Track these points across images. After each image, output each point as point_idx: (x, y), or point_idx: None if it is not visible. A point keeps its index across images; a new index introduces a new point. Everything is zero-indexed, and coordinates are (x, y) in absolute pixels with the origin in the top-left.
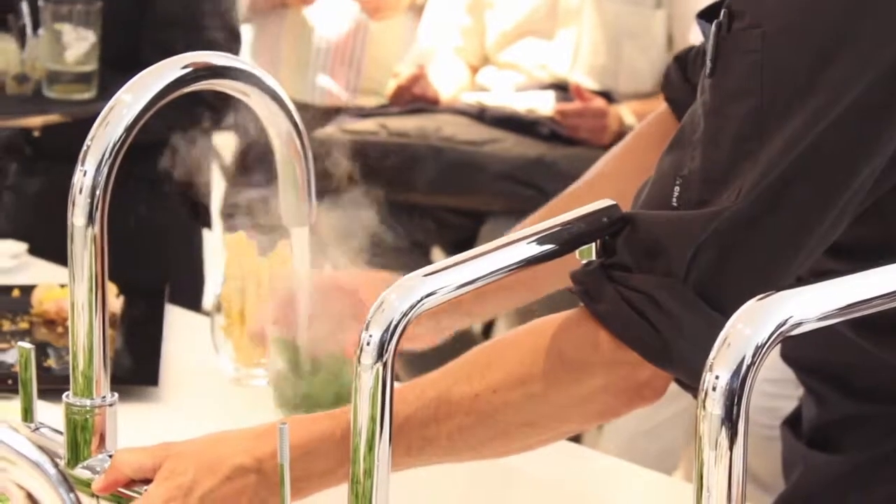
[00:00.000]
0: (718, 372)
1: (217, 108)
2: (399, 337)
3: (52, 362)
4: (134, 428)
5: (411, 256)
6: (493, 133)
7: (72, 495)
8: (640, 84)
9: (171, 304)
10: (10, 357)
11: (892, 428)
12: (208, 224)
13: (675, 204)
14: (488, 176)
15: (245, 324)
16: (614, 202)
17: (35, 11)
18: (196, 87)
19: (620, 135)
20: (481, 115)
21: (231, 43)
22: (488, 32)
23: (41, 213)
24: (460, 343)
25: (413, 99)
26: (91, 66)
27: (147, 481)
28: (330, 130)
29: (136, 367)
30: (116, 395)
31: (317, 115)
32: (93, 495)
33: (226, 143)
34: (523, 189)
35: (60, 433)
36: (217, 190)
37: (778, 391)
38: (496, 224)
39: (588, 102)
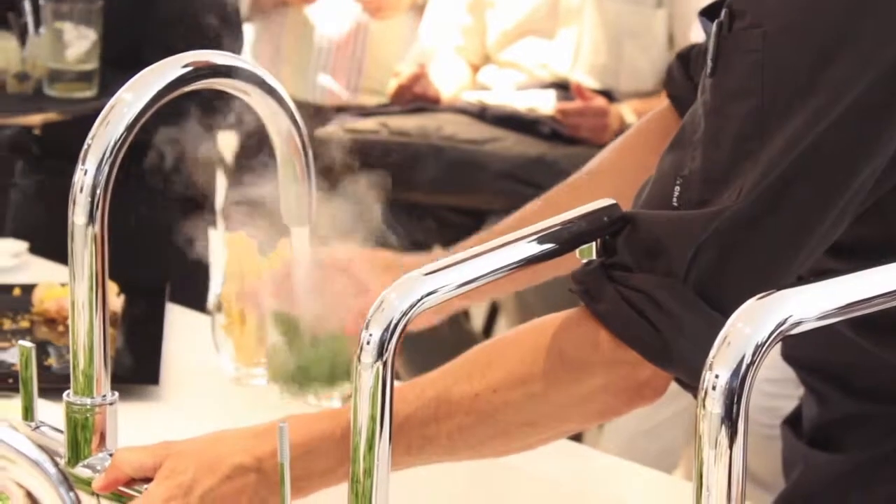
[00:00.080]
0: (718, 371)
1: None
2: (399, 336)
3: (52, 361)
4: (134, 427)
5: None
6: (494, 132)
7: (71, 494)
8: (641, 83)
9: (172, 303)
10: (11, 356)
11: (893, 427)
12: (209, 223)
13: (675, 204)
14: (489, 175)
15: (245, 323)
16: (614, 201)
17: (36, 9)
18: (197, 85)
19: (621, 134)
20: (482, 114)
21: (233, 42)
22: (489, 31)
23: (42, 212)
24: (460, 342)
25: (414, 98)
26: (92, 65)
27: (147, 480)
28: (331, 129)
29: (137, 366)
30: (117, 393)
31: (318, 114)
32: (93, 494)
33: (227, 141)
34: (524, 188)
35: (61, 432)
36: (218, 189)
37: (778, 391)
38: (497, 223)
39: (589, 101)
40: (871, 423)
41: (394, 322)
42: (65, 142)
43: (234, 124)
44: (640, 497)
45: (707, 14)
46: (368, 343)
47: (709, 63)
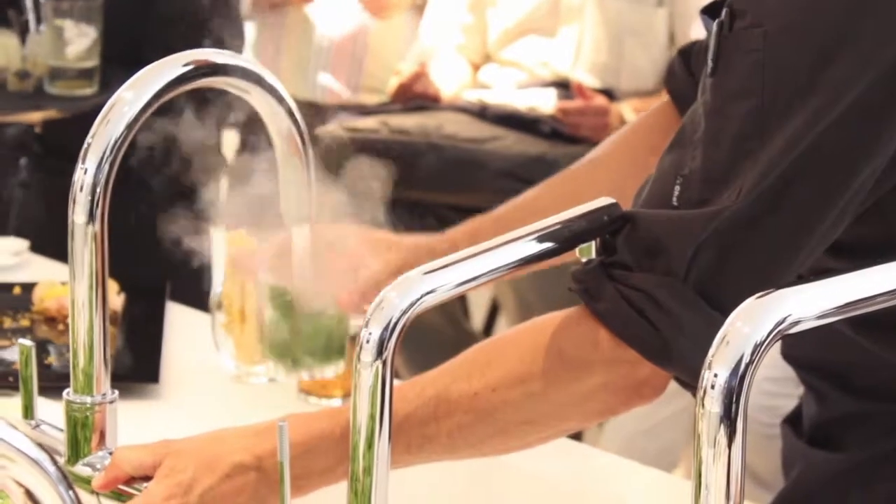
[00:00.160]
0: (717, 370)
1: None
2: (399, 335)
3: (52, 359)
4: (134, 425)
5: None
6: (495, 131)
7: (71, 493)
8: (642, 82)
9: (172, 302)
10: (11, 354)
11: (893, 426)
12: (209, 221)
13: (675, 203)
14: (489, 174)
15: (246, 322)
16: (614, 200)
17: (37, 7)
18: (197, 84)
19: None
20: (483, 113)
21: (234, 40)
22: (490, 30)
23: (43, 211)
24: (460, 341)
25: (414, 96)
26: (92, 62)
27: (147, 478)
28: (331, 128)
29: (137, 365)
30: (117, 392)
31: (318, 112)
32: (93, 492)
33: (227, 140)
34: (524, 187)
35: (61, 430)
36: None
37: (779, 390)
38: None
39: (589, 100)
40: (871, 422)
41: (393, 321)
42: (65, 140)
43: (234, 123)
44: (640, 496)
45: (708, 12)
46: (368, 342)
47: (709, 63)
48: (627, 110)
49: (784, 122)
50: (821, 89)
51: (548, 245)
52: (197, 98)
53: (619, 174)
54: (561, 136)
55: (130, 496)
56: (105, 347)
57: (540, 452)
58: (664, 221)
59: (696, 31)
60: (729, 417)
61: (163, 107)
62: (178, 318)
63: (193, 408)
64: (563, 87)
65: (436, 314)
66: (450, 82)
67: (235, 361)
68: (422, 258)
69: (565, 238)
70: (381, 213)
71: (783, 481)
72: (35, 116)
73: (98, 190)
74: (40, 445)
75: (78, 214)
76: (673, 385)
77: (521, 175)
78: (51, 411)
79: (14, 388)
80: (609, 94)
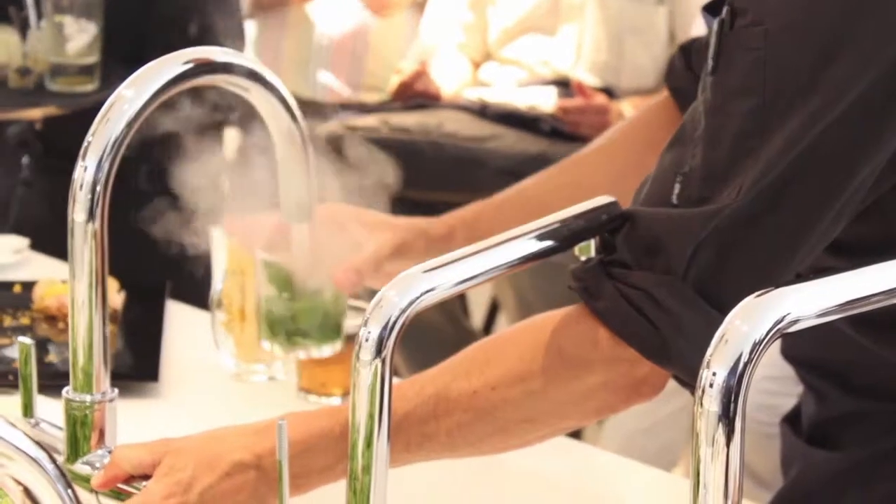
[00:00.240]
0: (715, 369)
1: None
2: (398, 333)
3: (53, 358)
4: (134, 424)
5: None
6: (495, 129)
7: (69, 491)
8: (643, 80)
9: (172, 300)
10: (11, 352)
11: (892, 425)
12: (209, 221)
13: (675, 201)
14: (490, 172)
15: (246, 320)
16: (614, 199)
17: (37, 3)
18: (197, 82)
19: None
20: (483, 112)
21: (235, 39)
22: (490, 28)
23: (44, 209)
24: (460, 339)
25: (415, 95)
26: (93, 59)
27: (146, 477)
28: (332, 126)
29: (137, 363)
30: (116, 390)
31: (318, 111)
32: (92, 491)
33: (228, 138)
34: None
35: (60, 429)
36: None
37: (778, 389)
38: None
39: (590, 99)
40: (870, 421)
41: (392, 319)
42: (66, 138)
43: (234, 121)
44: (640, 494)
45: (710, 10)
46: (367, 340)
47: (710, 61)
48: (628, 109)
49: (785, 120)
50: (822, 88)
51: (547, 243)
52: (197, 96)
53: (619, 165)
54: (561, 134)
55: (129, 495)
56: (105, 346)
57: (539, 451)
58: (664, 220)
59: (697, 29)
60: (727, 416)
61: (163, 104)
62: (178, 317)
63: (193, 406)
64: (564, 85)
65: (435, 312)
66: (450, 81)
67: (235, 360)
68: (418, 239)
69: (565, 236)
70: (381, 211)
71: (782, 480)
72: (36, 113)
73: (98, 188)
74: (39, 444)
75: (78, 213)
76: (672, 383)
77: (522, 173)
78: (50, 410)
79: (14, 386)
80: (609, 92)
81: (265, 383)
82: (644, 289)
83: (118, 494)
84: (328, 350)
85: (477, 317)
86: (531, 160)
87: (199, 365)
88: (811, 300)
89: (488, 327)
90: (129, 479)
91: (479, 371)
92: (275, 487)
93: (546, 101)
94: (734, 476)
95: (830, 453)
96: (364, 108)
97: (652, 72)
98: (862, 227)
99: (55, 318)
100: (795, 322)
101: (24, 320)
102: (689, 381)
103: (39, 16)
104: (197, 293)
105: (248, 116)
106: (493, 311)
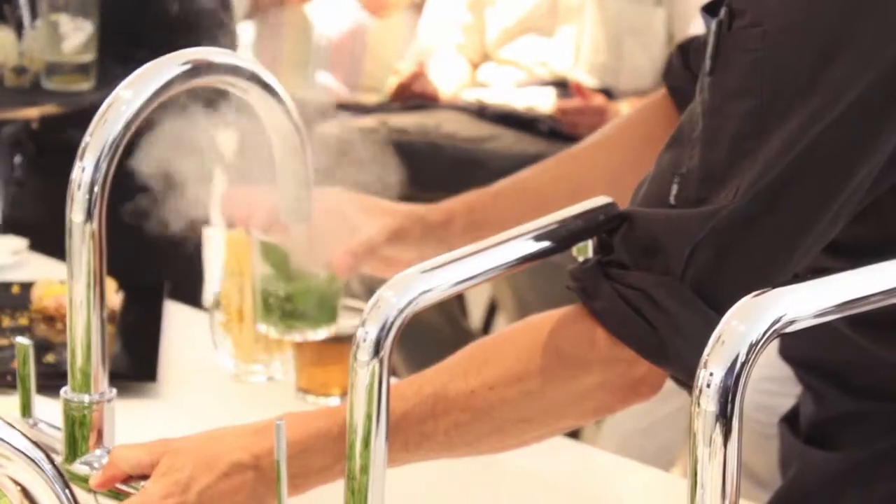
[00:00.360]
0: (713, 369)
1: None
2: (396, 334)
3: (51, 358)
4: (132, 424)
5: None
6: (493, 130)
7: (67, 491)
8: (641, 81)
9: (171, 301)
10: (10, 353)
11: (891, 425)
12: (208, 220)
13: (672, 202)
14: (488, 173)
15: (244, 321)
16: (611, 200)
17: (32, 1)
18: (196, 83)
19: None
20: (481, 112)
21: (232, 39)
22: (489, 29)
23: (42, 209)
24: (458, 339)
25: (413, 96)
26: (89, 57)
27: (144, 477)
28: (330, 127)
29: (135, 363)
30: (114, 390)
31: (317, 111)
32: (90, 491)
33: (225, 138)
34: None
35: (58, 429)
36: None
37: (777, 389)
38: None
39: (588, 100)
40: (869, 421)
41: (390, 320)
42: (63, 137)
43: (232, 122)
44: (638, 494)
45: (708, 11)
46: (365, 340)
47: (708, 62)
48: (626, 110)
49: (783, 121)
50: (820, 89)
51: (545, 244)
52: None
53: (616, 161)
54: (559, 135)
55: (128, 495)
56: (103, 346)
57: (537, 451)
58: (661, 220)
59: (695, 30)
60: (724, 416)
61: (160, 104)
62: (177, 317)
63: (191, 406)
64: (562, 86)
65: (434, 313)
66: (448, 81)
67: (233, 360)
68: (415, 225)
69: (563, 237)
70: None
71: (780, 480)
72: (32, 112)
73: (96, 189)
74: (37, 444)
75: (76, 213)
76: (670, 383)
77: None
78: (49, 410)
79: (12, 386)
80: (608, 93)
81: (263, 383)
82: (642, 289)
83: (116, 494)
84: (323, 333)
85: (475, 317)
86: (529, 161)
87: (197, 365)
88: (808, 300)
89: (487, 327)
90: (128, 479)
91: (476, 371)
92: (273, 487)
93: (544, 102)
94: (732, 476)
95: (829, 453)
96: (362, 109)
97: (650, 73)
98: (860, 228)
99: (53, 319)
100: (792, 322)
101: (23, 321)
102: (686, 381)
103: (35, 14)
104: (196, 293)
105: (241, 110)
106: (492, 311)
